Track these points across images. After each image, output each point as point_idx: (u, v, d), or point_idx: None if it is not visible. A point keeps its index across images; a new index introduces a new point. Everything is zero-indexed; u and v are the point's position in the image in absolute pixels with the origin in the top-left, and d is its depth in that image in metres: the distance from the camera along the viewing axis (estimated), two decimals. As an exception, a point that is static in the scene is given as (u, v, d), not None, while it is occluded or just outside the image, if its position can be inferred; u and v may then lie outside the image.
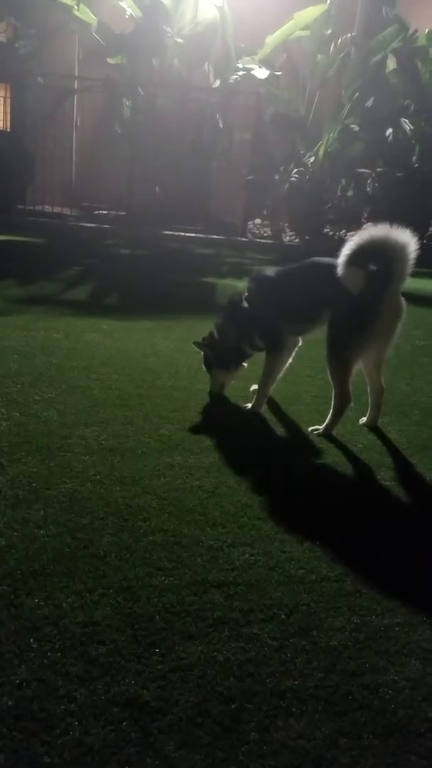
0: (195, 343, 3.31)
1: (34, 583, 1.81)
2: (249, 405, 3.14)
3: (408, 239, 2.69)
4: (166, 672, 1.55)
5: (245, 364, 3.29)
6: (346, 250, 2.73)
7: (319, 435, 2.94)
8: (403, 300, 2.86)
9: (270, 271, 3.23)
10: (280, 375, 3.22)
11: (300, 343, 3.22)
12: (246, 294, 3.20)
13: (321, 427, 2.96)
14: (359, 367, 2.95)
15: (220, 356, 3.24)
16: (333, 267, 2.81)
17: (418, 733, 1.46)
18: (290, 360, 3.24)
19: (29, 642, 1.60)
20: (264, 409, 3.17)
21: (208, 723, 1.43)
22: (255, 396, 3.16)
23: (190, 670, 1.56)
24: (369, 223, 2.81)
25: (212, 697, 1.49)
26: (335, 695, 1.53)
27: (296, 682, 1.55)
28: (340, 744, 1.41)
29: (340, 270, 2.74)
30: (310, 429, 2.99)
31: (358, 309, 2.77)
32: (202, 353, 3.30)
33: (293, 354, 3.24)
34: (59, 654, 1.57)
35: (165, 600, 1.78)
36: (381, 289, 2.76)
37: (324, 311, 2.92)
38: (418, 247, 2.71)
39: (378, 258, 2.74)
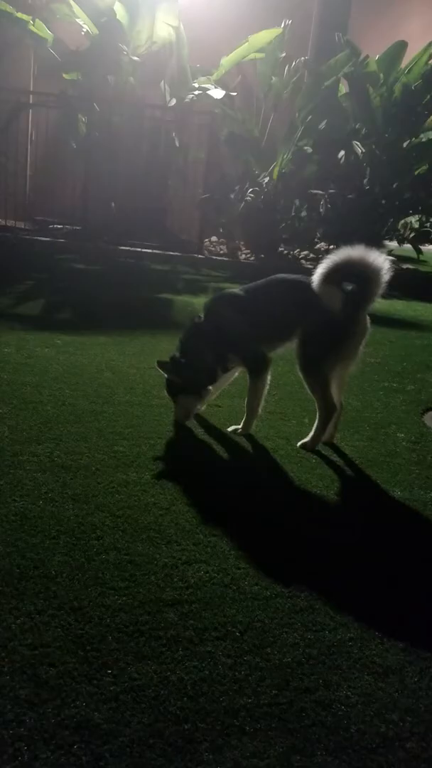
0: (159, 363, 3.09)
1: (-18, 604, 1.76)
2: (307, 439, 3.02)
3: (383, 262, 2.75)
4: (119, 693, 1.52)
5: (210, 388, 3.16)
6: (322, 268, 2.77)
7: (307, 450, 2.97)
8: (368, 319, 2.92)
9: (237, 289, 3.18)
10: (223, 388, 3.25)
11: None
12: (209, 314, 3.11)
13: (308, 438, 3.00)
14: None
15: (190, 381, 3.05)
16: (300, 283, 2.85)
17: (371, 748, 1.46)
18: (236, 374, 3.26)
19: (-24, 666, 1.55)
20: (220, 425, 3.17)
21: (160, 744, 1.41)
22: (245, 418, 3.10)
23: (142, 691, 1.54)
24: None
25: (165, 717, 1.48)
26: (288, 712, 1.53)
27: (250, 700, 1.55)
28: (294, 761, 1.41)
29: (316, 287, 2.78)
30: (298, 444, 3.01)
31: (331, 327, 2.82)
32: (165, 377, 3.11)
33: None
34: (7, 677, 1.53)
35: (118, 620, 1.76)
36: (354, 309, 2.81)
37: (295, 328, 2.95)
38: (391, 270, 2.77)
39: (353, 278, 2.78)
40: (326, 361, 2.89)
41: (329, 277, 2.76)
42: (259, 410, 3.12)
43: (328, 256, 2.79)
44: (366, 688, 1.63)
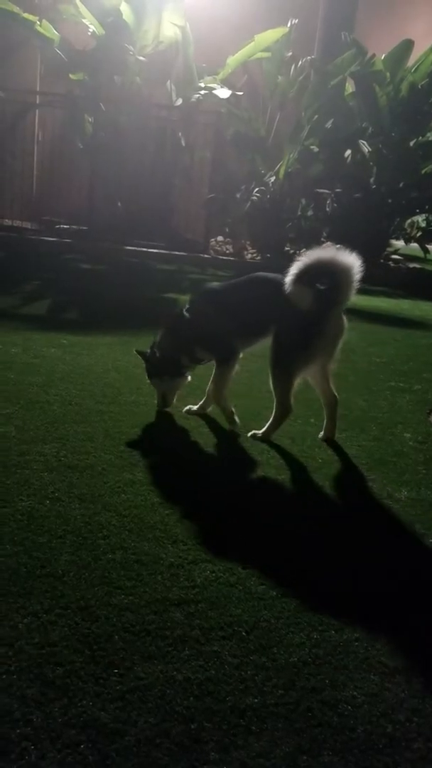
0: (138, 351, 3.29)
1: (-11, 603, 1.77)
2: (259, 432, 3.07)
3: (354, 262, 2.80)
4: (125, 693, 1.52)
5: (189, 377, 3.27)
6: (293, 269, 2.82)
7: (256, 440, 3.03)
8: (345, 318, 2.95)
9: (215, 284, 3.29)
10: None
11: (241, 355, 3.23)
12: (189, 308, 3.20)
13: (260, 432, 3.05)
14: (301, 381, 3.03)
15: (158, 369, 3.20)
16: (277, 282, 2.89)
17: (377, 749, 1.46)
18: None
19: (-16, 665, 1.56)
20: (224, 425, 3.17)
21: (167, 744, 1.41)
22: (203, 399, 3.23)
23: (149, 690, 1.54)
24: (328, 242, 2.88)
25: (171, 717, 1.48)
26: (295, 712, 1.53)
27: (256, 700, 1.55)
28: (300, 761, 1.41)
29: (288, 287, 2.82)
30: (249, 434, 3.07)
31: (303, 326, 2.86)
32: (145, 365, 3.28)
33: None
34: (14, 676, 1.54)
35: (124, 619, 1.76)
36: (326, 308, 2.86)
37: (269, 325, 2.99)
38: (363, 268, 2.81)
39: (324, 278, 2.83)
40: (294, 361, 2.93)
41: (301, 277, 2.81)
42: (218, 398, 3.18)
43: (300, 257, 2.84)
44: (372, 688, 1.63)
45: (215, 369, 3.17)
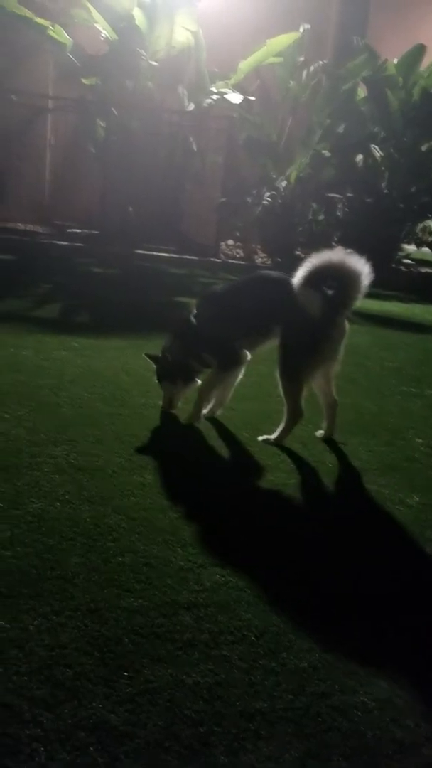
0: (147, 354, 3.31)
1: (-1, 604, 1.77)
2: (272, 436, 3.06)
3: (363, 267, 2.77)
4: (134, 695, 1.52)
5: (198, 381, 3.25)
6: (301, 272, 2.79)
7: (268, 444, 3.02)
8: (346, 322, 2.95)
9: (218, 287, 3.28)
10: (232, 391, 3.30)
11: (249, 358, 3.23)
12: (195, 312, 3.21)
13: (272, 436, 3.04)
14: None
15: (167, 372, 3.21)
16: (281, 281, 2.89)
17: (387, 754, 1.46)
18: (240, 375, 3.29)
19: (-6, 665, 1.56)
20: (234, 429, 3.17)
21: (176, 747, 1.41)
22: (194, 406, 3.19)
23: (158, 693, 1.54)
24: (339, 246, 2.86)
25: (181, 720, 1.48)
26: (304, 717, 1.52)
27: (265, 705, 1.54)
28: (309, 766, 1.40)
29: (296, 290, 2.81)
30: (260, 438, 3.06)
31: (311, 331, 2.84)
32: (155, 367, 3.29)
33: (242, 370, 3.31)
34: (25, 678, 1.54)
35: (133, 622, 1.76)
36: (334, 313, 2.83)
37: (273, 326, 2.98)
38: (375, 272, 2.79)
39: (332, 282, 2.81)
40: (304, 367, 2.93)
41: (309, 280, 2.78)
42: (207, 405, 3.20)
43: (308, 259, 2.81)
44: (382, 694, 1.62)
45: (213, 370, 3.16)
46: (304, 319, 2.82)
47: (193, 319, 3.19)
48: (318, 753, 1.43)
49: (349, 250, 2.86)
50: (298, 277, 2.80)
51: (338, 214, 9.06)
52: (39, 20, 7.87)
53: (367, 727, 1.52)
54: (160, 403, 3.26)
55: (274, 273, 3.06)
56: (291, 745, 1.45)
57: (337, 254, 2.81)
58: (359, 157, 8.89)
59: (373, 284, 2.83)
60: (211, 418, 3.27)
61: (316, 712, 1.54)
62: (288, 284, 2.85)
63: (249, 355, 3.20)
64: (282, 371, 2.96)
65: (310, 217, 9.15)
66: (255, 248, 9.35)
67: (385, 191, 8.94)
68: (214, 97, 8.42)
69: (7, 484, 2.39)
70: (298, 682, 1.63)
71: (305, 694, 1.59)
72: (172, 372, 3.20)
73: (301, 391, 2.97)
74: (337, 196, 8.95)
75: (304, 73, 9.04)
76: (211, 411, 3.29)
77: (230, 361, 3.14)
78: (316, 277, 2.78)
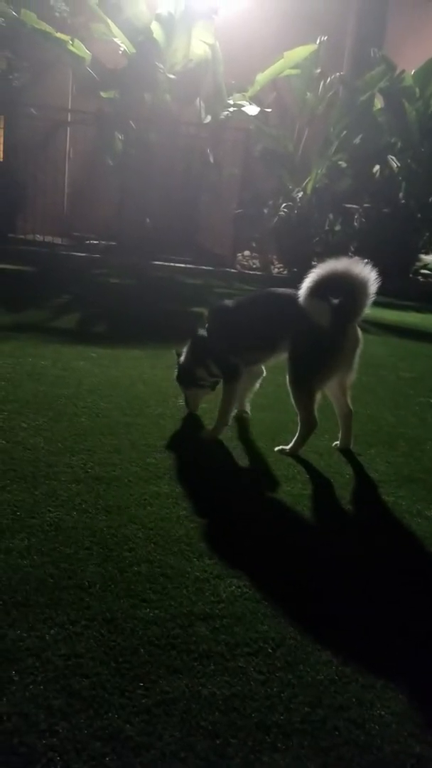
0: (177, 351, 3.38)
1: (16, 614, 1.78)
2: (287, 447, 3.05)
3: (369, 274, 2.75)
4: (150, 706, 1.52)
5: (214, 390, 3.29)
6: (307, 282, 2.78)
7: (284, 454, 3.01)
8: (359, 331, 2.93)
9: (228, 301, 3.30)
10: (250, 396, 3.34)
11: (264, 373, 3.27)
12: (207, 323, 3.26)
13: (287, 447, 3.04)
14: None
15: (181, 379, 3.32)
16: (289, 297, 2.88)
17: (405, 769, 1.44)
18: (257, 386, 3.34)
19: (11, 674, 1.57)
20: (251, 438, 3.17)
21: (192, 758, 1.40)
22: (215, 423, 3.16)
23: (174, 704, 1.53)
24: (356, 257, 2.84)
25: (197, 731, 1.47)
26: (321, 730, 1.51)
27: (282, 717, 1.53)
28: (327, 781, 1.39)
29: (302, 301, 2.80)
30: (276, 449, 3.05)
31: (320, 342, 2.82)
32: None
33: (258, 382, 3.36)
34: (41, 687, 1.54)
35: (150, 632, 1.76)
36: (343, 322, 2.81)
37: (282, 341, 2.98)
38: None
39: (339, 291, 2.79)
40: (314, 377, 2.91)
41: (315, 290, 2.77)
42: (229, 419, 3.17)
43: (314, 269, 2.80)
44: (400, 708, 1.60)
45: (223, 386, 3.18)
46: (312, 329, 2.80)
47: (202, 332, 3.23)
48: (335, 766, 1.42)
49: (365, 260, 2.84)
50: (303, 287, 2.79)
51: (355, 224, 9.06)
52: (59, 35, 7.98)
53: (384, 741, 1.50)
54: (181, 414, 3.30)
55: (283, 289, 3.06)
56: (307, 758, 1.43)
57: (342, 262, 2.78)
58: (376, 168, 8.90)
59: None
60: (228, 428, 3.26)
61: (333, 725, 1.53)
62: (296, 299, 2.84)
63: (264, 370, 3.21)
64: (292, 381, 2.96)
65: (327, 228, 9.15)
66: (271, 259, 9.37)
67: (403, 201, 8.93)
68: (231, 109, 8.47)
69: (24, 493, 2.41)
70: (315, 694, 1.61)
71: (322, 707, 1.58)
72: (185, 377, 3.29)
73: (312, 401, 2.95)
74: (354, 206, 8.95)
75: (321, 84, 9.09)
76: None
77: (234, 375, 3.13)
78: (321, 287, 2.77)
